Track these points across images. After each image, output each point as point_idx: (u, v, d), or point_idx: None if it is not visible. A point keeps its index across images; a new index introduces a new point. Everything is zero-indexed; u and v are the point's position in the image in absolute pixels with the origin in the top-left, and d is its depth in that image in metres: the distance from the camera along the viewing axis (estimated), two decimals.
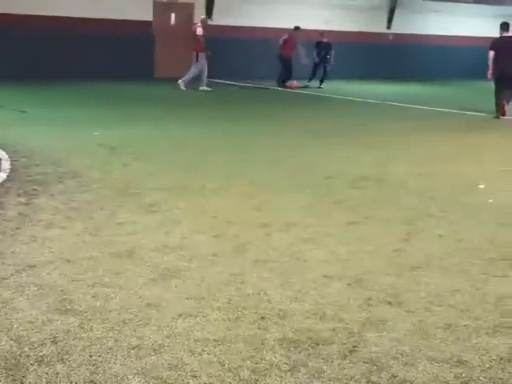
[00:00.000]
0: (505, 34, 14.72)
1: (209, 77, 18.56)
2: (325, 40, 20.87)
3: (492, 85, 14.66)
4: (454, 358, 3.44)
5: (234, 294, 4.17)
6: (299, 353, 3.44)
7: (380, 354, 3.45)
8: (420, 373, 3.28)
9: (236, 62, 21.27)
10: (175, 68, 19.97)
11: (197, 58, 18.34)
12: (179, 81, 18.31)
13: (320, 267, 4.73)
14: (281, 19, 22.41)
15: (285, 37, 20.40)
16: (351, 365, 3.34)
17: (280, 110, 14.96)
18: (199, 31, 18.34)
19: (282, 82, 20.39)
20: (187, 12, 21.77)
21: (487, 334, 3.72)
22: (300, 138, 10.70)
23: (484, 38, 27.16)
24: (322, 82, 20.83)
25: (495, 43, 14.51)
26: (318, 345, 3.53)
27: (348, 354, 3.45)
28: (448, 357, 3.45)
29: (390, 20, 25.43)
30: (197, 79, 18.37)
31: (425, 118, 14.25)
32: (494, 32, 25.50)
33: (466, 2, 25.96)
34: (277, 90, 19.82)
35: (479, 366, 3.36)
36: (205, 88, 18.29)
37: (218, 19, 21.68)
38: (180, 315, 3.83)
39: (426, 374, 3.28)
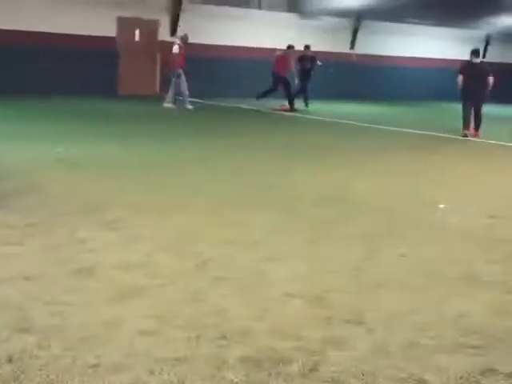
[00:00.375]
0: (474, 61, 15.33)
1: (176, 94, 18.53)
2: (309, 54, 20.64)
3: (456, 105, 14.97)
4: (413, 376, 3.44)
5: (195, 312, 4.13)
6: (260, 372, 3.42)
7: (341, 373, 3.44)
8: None
9: (200, 80, 21.21)
10: (139, 85, 19.92)
11: (175, 76, 18.17)
12: (164, 103, 18.18)
13: (282, 285, 4.72)
14: (245, 38, 22.57)
15: (279, 53, 20.02)
16: None
17: (247, 129, 14.97)
18: (174, 49, 18.12)
19: (290, 102, 19.85)
20: (152, 28, 21.77)
21: (447, 352, 3.74)
22: (266, 157, 10.72)
23: (444, 60, 27.80)
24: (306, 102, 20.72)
25: (464, 68, 15.31)
26: (279, 364, 3.51)
27: (308, 373, 3.44)
28: (408, 376, 3.45)
29: (353, 40, 25.74)
30: (180, 95, 18.28)
31: (387, 138, 14.41)
32: (454, 54, 26.02)
33: (428, 25, 26.40)
34: (244, 109, 19.83)
35: None
36: (169, 105, 18.24)
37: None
38: (140, 334, 3.78)
39: None
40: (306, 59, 20.72)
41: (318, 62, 20.82)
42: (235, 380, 3.32)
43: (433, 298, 4.61)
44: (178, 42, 18.26)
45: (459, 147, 13.44)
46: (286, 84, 19.68)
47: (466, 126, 15.04)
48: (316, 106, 21.42)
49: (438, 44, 27.57)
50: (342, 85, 24.71)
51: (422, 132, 15.52)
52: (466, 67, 15.32)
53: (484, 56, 29.20)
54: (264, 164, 10.00)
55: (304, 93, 20.77)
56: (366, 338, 3.90)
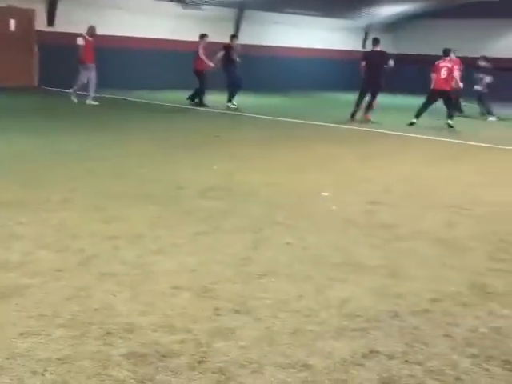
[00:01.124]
0: (375, 49, 16.63)
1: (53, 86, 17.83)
2: (237, 44, 19.09)
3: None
4: (300, 362, 3.51)
5: (79, 310, 4.04)
6: (147, 367, 3.38)
7: (228, 364, 3.46)
8: (267, 379, 3.32)
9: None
10: (15, 76, 19.17)
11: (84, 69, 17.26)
12: (87, 101, 17.29)
13: (169, 278, 4.69)
14: (125, 27, 22.19)
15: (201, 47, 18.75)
16: (200, 375, 3.33)
17: (138, 121, 14.72)
18: (78, 41, 17.11)
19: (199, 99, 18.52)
20: (27, 18, 21.00)
21: (331, 337, 3.83)
22: (152, 149, 10.59)
23: (328, 50, 28.40)
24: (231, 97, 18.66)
25: (366, 55, 16.85)
26: (166, 357, 3.49)
27: (197, 364, 3.44)
28: (294, 362, 3.51)
29: (236, 31, 25.82)
30: (83, 89, 17.51)
31: (276, 129, 14.56)
32: (336, 44, 26.58)
33: (311, 15, 26.82)
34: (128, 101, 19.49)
35: (324, 369, 3.45)
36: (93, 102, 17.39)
37: (61, 26, 21.08)
38: (21, 335, 3.66)
39: (273, 380, 3.32)
40: (230, 52, 19.33)
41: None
42: (121, 377, 3.27)
43: (317, 284, 4.71)
44: (84, 34, 17.38)
45: (342, 136, 13.75)
46: (202, 78, 18.60)
47: (353, 113, 16.24)
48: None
49: (321, 34, 28.07)
50: (225, 76, 24.72)
51: (307, 122, 15.78)
52: (367, 55, 16.66)
53: (365, 46, 30.09)
54: (150, 156, 9.88)
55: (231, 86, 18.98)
56: (253, 327, 3.94)
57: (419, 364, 3.54)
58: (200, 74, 18.65)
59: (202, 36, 19.10)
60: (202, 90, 18.69)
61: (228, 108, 18.10)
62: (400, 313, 4.23)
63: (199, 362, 3.46)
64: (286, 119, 16.14)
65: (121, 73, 21.95)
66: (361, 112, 16.39)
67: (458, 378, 3.41)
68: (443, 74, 15.86)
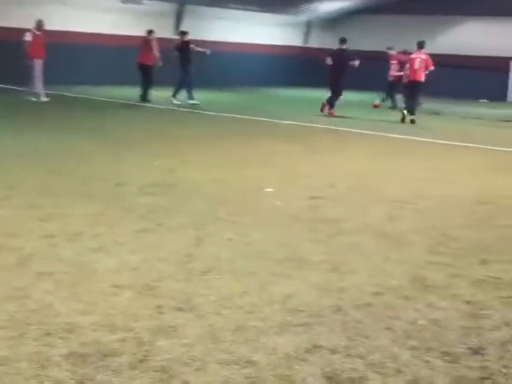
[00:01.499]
0: (341, 47, 17.51)
1: None
2: (187, 39, 18.79)
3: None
4: (243, 359, 3.49)
5: (17, 310, 3.94)
6: (87, 367, 3.31)
7: (171, 362, 3.42)
8: (211, 377, 3.29)
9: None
10: None
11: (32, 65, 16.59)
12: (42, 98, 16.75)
13: (110, 277, 4.61)
14: (68, 22, 21.78)
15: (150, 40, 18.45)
16: (142, 374, 3.28)
17: (78, 117, 14.45)
18: (27, 36, 16.45)
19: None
20: None
21: (275, 333, 3.82)
22: (93, 145, 10.43)
23: (269, 45, 28.43)
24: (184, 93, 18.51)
25: (332, 53, 17.60)
26: (107, 357, 3.43)
27: (138, 363, 3.38)
28: (238, 358, 3.49)
29: (177, 26, 25.64)
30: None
31: (221, 125, 14.51)
32: (278, 40, 26.58)
33: (252, 10, 26.81)
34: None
35: (268, 365, 3.43)
36: (45, 99, 16.87)
37: (3, 21, 20.56)
38: None
39: (216, 377, 3.29)
40: (183, 48, 18.73)
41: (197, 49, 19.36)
42: (61, 377, 3.19)
43: (261, 280, 4.69)
44: (32, 29, 16.74)
45: (287, 132, 13.76)
46: (147, 73, 18.42)
47: (326, 105, 17.30)
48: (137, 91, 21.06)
49: (263, 30, 28.07)
50: (167, 71, 24.49)
51: (250, 117, 15.77)
52: (334, 52, 17.52)
53: (306, 42, 30.27)
54: (91, 153, 9.73)
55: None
56: (196, 324, 3.90)
57: (361, 357, 3.56)
58: (145, 68, 18.47)
59: (150, 32, 18.87)
60: (145, 84, 18.50)
61: (172, 103, 18.00)
62: (343, 307, 4.25)
63: (141, 361, 3.41)
64: (230, 115, 16.11)
65: (63, 68, 21.51)
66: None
67: (398, 371, 3.44)
68: (417, 65, 16.37)
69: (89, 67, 22.71)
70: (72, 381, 3.17)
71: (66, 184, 7.60)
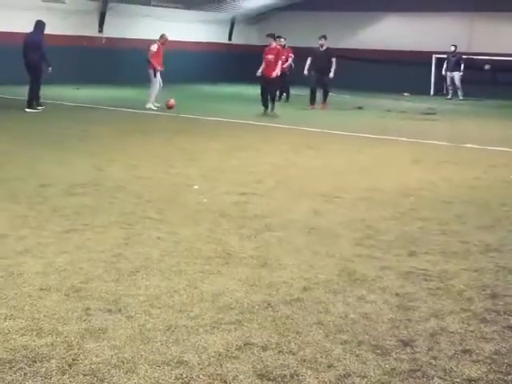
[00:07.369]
0: (321, 45, 18.75)
1: None
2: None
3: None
4: (174, 359, 3.46)
5: None
6: (15, 373, 3.23)
7: (101, 365, 3.37)
8: (141, 378, 3.26)
9: None
10: None
11: None
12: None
13: (36, 280, 4.51)
14: None
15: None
16: (71, 379, 3.22)
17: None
18: None
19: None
20: None
21: (205, 331, 3.81)
22: (11, 146, 10.16)
23: (194, 42, 28.30)
24: None
25: (311, 52, 18.79)
26: (36, 362, 3.35)
27: (68, 368, 3.32)
28: (169, 359, 3.47)
29: (101, 23, 25.25)
30: None
31: (141, 122, 14.36)
32: (204, 37, 26.39)
33: (176, 8, 26.61)
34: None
35: (199, 364, 3.42)
36: None
37: None
38: None
39: (147, 378, 3.26)
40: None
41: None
42: None
43: (190, 278, 4.67)
44: None
45: (211, 128, 13.72)
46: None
47: (313, 103, 18.49)
48: (64, 90, 20.68)
49: (187, 27, 27.87)
50: (91, 69, 24.10)
51: (173, 114, 15.66)
52: (314, 51, 18.73)
53: (230, 38, 30.24)
54: (10, 154, 9.48)
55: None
56: (125, 325, 3.85)
57: (293, 353, 3.58)
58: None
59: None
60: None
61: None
62: (273, 303, 4.27)
63: (70, 365, 3.35)
64: (159, 113, 15.97)
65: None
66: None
67: (330, 365, 3.47)
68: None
69: (7, 67, 22.08)
70: None
71: None
